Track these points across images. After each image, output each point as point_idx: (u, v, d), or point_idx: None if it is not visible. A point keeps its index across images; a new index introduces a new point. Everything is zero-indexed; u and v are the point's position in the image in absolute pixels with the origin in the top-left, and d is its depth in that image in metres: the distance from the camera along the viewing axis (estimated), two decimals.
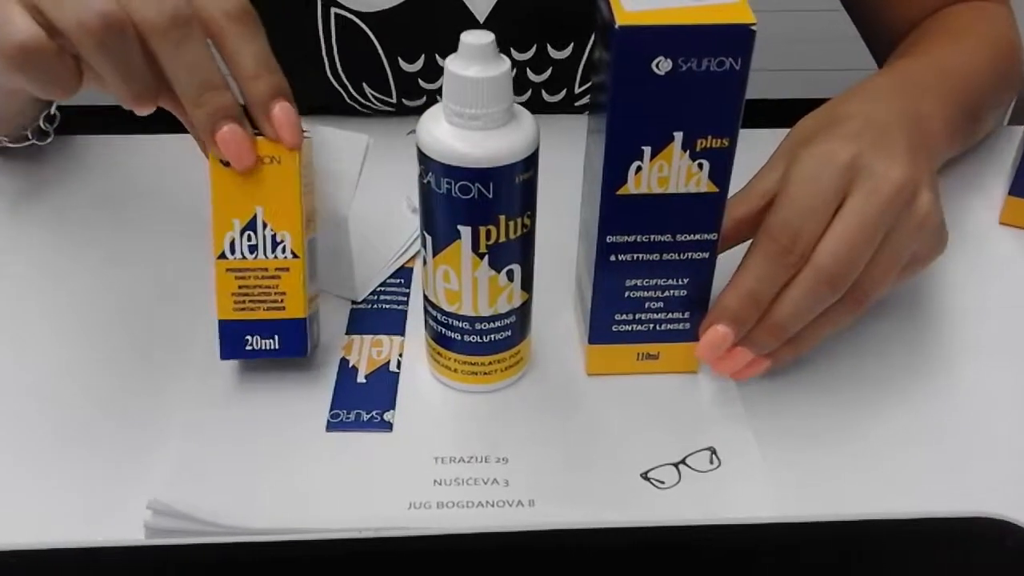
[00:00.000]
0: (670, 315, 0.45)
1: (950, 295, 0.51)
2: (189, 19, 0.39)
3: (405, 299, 0.50)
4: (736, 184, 0.42)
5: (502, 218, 0.40)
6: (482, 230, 0.40)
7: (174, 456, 0.42)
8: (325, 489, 0.41)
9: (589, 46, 0.63)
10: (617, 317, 0.45)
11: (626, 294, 0.44)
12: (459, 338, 0.44)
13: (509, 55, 0.62)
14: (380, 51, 0.61)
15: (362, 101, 0.64)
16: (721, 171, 0.40)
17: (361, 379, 0.46)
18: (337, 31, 0.61)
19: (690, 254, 0.43)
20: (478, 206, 0.39)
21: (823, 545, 0.38)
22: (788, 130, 0.48)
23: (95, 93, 0.41)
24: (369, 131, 0.47)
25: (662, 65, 0.37)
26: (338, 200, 0.46)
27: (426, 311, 0.45)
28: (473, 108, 0.38)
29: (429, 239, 0.42)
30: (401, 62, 0.62)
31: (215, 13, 0.40)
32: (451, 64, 0.38)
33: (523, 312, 0.44)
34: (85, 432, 0.43)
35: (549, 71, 0.63)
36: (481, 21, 0.60)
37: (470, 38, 0.37)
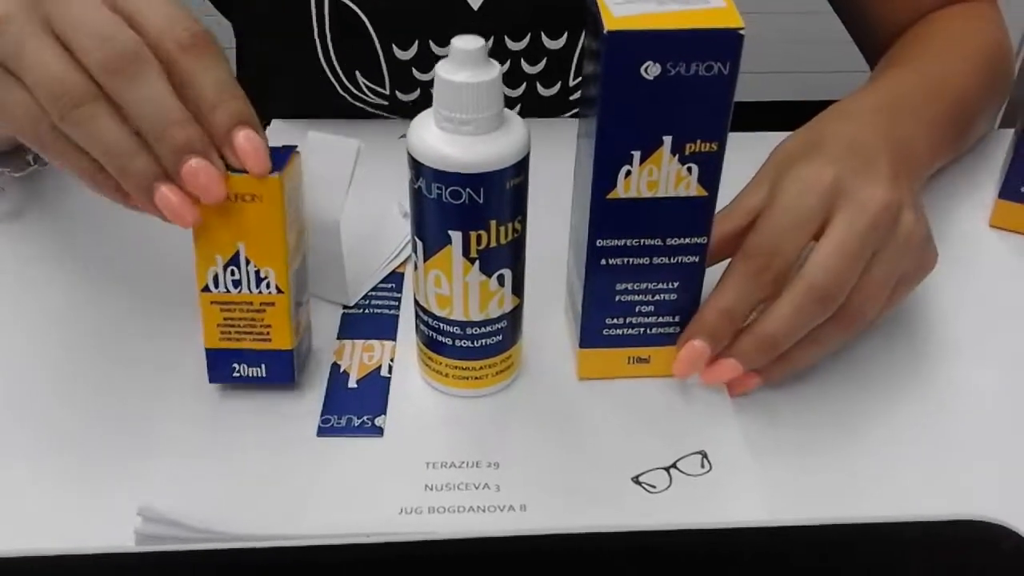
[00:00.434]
0: (661, 319, 0.45)
1: (941, 298, 0.52)
2: (139, 54, 0.37)
3: (396, 304, 0.50)
4: (725, 188, 0.42)
5: (493, 223, 0.40)
6: (473, 235, 0.40)
7: (164, 462, 0.42)
8: (316, 495, 0.41)
9: (583, 37, 0.63)
10: (608, 321, 0.45)
11: (617, 298, 0.44)
12: (450, 343, 0.44)
13: (503, 44, 0.62)
14: (373, 35, 0.61)
15: (354, 92, 0.64)
16: (710, 175, 0.40)
17: (352, 384, 0.46)
18: (331, 14, 0.60)
19: (680, 258, 0.43)
20: (469, 211, 0.39)
21: (815, 549, 0.38)
22: (779, 132, 0.49)
23: None
24: (360, 136, 0.47)
25: (651, 70, 0.37)
26: (329, 205, 0.46)
27: (417, 316, 0.45)
28: (463, 113, 0.38)
29: (420, 244, 0.42)
30: (395, 48, 0.62)
31: (167, 45, 0.38)
32: (441, 69, 0.38)
33: (514, 317, 0.44)
34: (75, 438, 0.43)
35: (544, 62, 0.63)
36: (475, 7, 0.60)
37: (460, 43, 0.38)
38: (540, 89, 0.65)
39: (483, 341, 0.43)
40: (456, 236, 0.40)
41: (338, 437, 0.43)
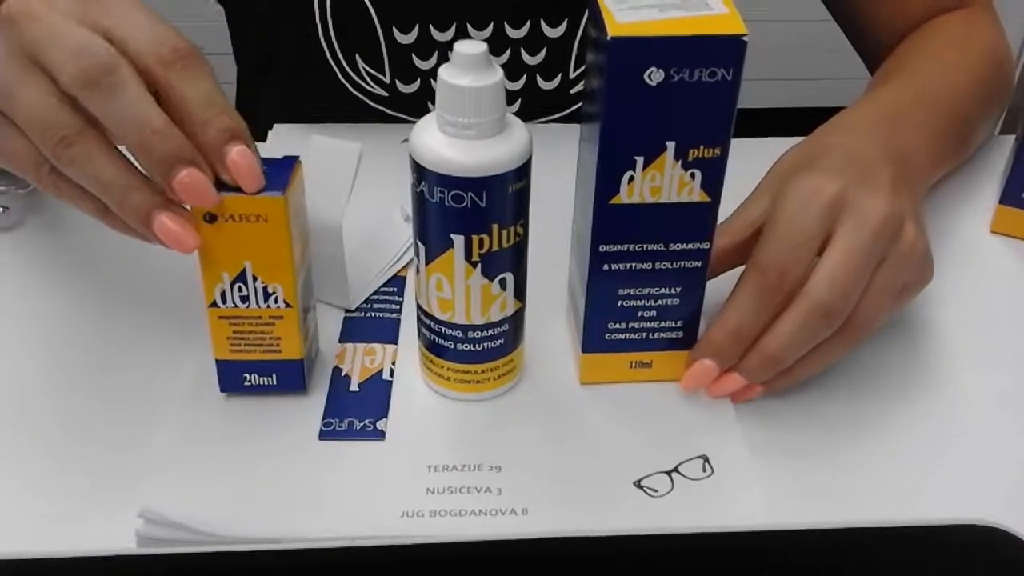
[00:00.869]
0: (663, 324, 0.45)
1: (941, 304, 0.52)
2: (113, 64, 0.36)
3: (398, 307, 0.50)
4: (728, 194, 0.42)
5: (495, 227, 0.40)
6: (475, 239, 0.40)
7: (166, 465, 0.42)
8: (317, 498, 0.41)
9: (582, 25, 0.63)
10: (610, 326, 0.45)
11: (619, 303, 0.44)
12: (452, 346, 0.44)
13: (503, 32, 0.62)
14: (374, 16, 0.61)
15: (355, 79, 0.64)
16: (713, 180, 0.41)
17: (354, 387, 0.46)
18: None
19: (683, 263, 0.43)
20: (471, 215, 0.39)
21: (816, 553, 0.38)
22: (781, 139, 0.49)
23: None
24: (362, 140, 0.47)
25: (654, 76, 0.38)
26: (331, 209, 0.46)
27: (419, 319, 0.45)
28: (466, 117, 0.38)
29: (422, 248, 0.42)
30: (395, 32, 0.62)
31: (149, 61, 0.37)
32: (444, 73, 0.38)
33: (516, 321, 0.44)
34: (76, 440, 0.43)
35: (543, 52, 0.63)
36: None
37: (463, 47, 0.38)
38: (540, 82, 0.65)
39: (485, 345, 0.43)
40: (458, 240, 0.40)
41: (340, 440, 0.43)
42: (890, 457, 0.44)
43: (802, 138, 0.49)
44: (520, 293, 0.43)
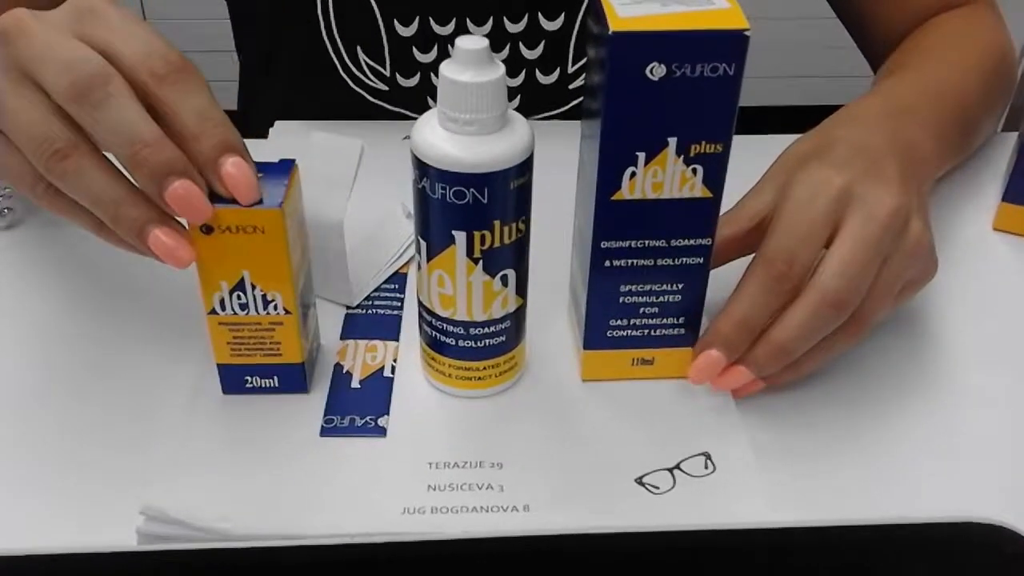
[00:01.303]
0: (665, 320, 0.45)
1: (944, 301, 0.52)
2: (104, 77, 0.36)
3: (400, 304, 0.50)
4: (730, 190, 0.42)
5: (496, 223, 0.40)
6: (476, 235, 0.40)
7: (167, 462, 0.42)
8: (319, 495, 0.41)
9: (579, 18, 0.63)
10: (612, 323, 0.45)
11: (621, 299, 0.44)
12: (453, 343, 0.43)
13: (502, 27, 0.62)
14: (375, 8, 0.61)
15: (355, 73, 0.64)
16: (715, 176, 0.40)
17: (355, 384, 0.46)
18: None
19: (684, 259, 0.43)
20: (472, 211, 0.39)
21: (818, 550, 0.38)
22: (783, 135, 0.49)
23: None
24: (364, 137, 0.47)
25: (656, 71, 0.37)
26: (332, 205, 0.46)
27: (420, 316, 0.45)
28: (468, 113, 0.38)
29: (424, 244, 0.42)
30: (396, 24, 0.62)
31: (141, 74, 0.37)
32: (446, 69, 0.38)
33: (517, 317, 0.44)
34: (77, 437, 0.43)
35: (542, 46, 0.63)
36: None
37: (465, 43, 0.38)
38: (539, 77, 0.65)
39: (486, 342, 0.43)
40: (460, 236, 0.40)
41: (341, 437, 0.43)
42: (892, 454, 0.44)
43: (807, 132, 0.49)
44: (522, 290, 0.43)
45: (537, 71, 0.65)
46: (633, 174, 0.40)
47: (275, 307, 0.42)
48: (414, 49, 0.63)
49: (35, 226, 0.56)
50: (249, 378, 0.44)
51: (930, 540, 0.38)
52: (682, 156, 0.40)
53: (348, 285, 0.50)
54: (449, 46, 0.58)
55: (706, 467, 0.42)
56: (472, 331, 0.43)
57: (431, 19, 0.62)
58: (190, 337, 0.47)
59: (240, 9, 0.71)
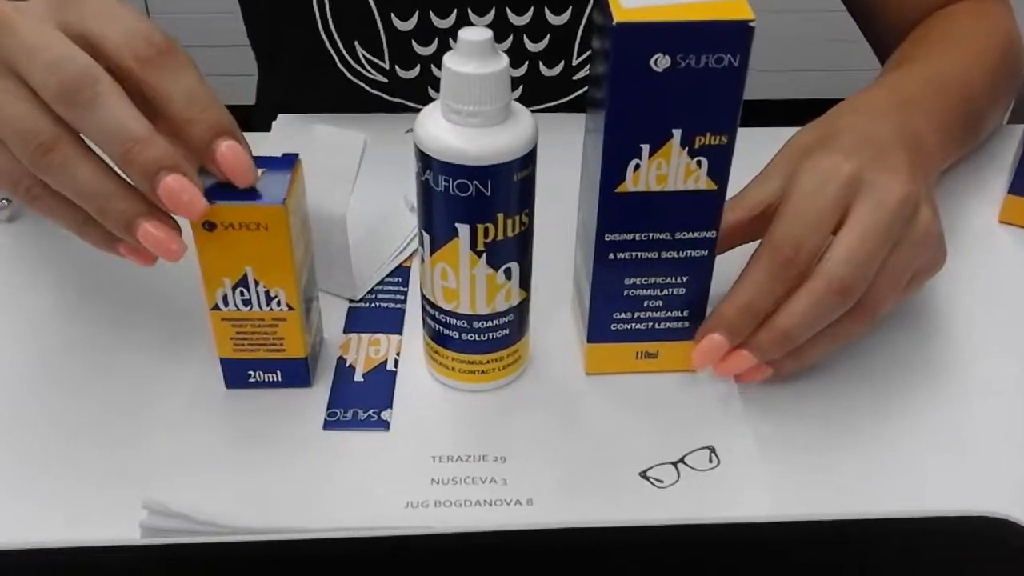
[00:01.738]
0: (669, 313, 0.44)
1: (949, 293, 0.51)
2: (91, 77, 0.35)
3: (403, 298, 0.50)
4: (734, 182, 0.42)
5: (500, 216, 0.40)
6: (480, 228, 0.40)
7: (170, 456, 0.41)
8: (322, 488, 0.40)
9: (587, 12, 0.62)
10: (616, 316, 0.44)
11: (625, 292, 0.44)
12: (457, 336, 0.43)
13: (506, 18, 0.62)
14: (372, 5, 0.61)
15: (354, 66, 0.64)
16: (720, 168, 0.40)
17: (358, 378, 0.46)
18: None
19: (689, 252, 0.42)
20: (476, 204, 0.39)
21: (823, 544, 0.38)
22: (787, 128, 0.48)
23: None
24: (366, 130, 0.47)
25: (661, 62, 0.37)
26: (335, 199, 0.46)
27: (424, 309, 0.44)
28: (471, 105, 0.38)
29: (427, 237, 0.41)
30: (394, 19, 0.61)
31: (126, 61, 0.36)
32: (448, 60, 0.38)
33: (521, 310, 0.44)
34: (80, 431, 0.43)
35: (547, 39, 0.63)
36: None
37: (468, 34, 0.37)
38: (543, 69, 0.64)
39: (490, 335, 0.43)
40: (463, 229, 0.40)
41: (344, 431, 0.43)
42: (898, 448, 0.43)
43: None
44: (525, 283, 0.43)
45: (541, 63, 0.64)
46: (637, 166, 0.40)
47: (278, 303, 0.42)
48: (413, 42, 0.62)
49: (35, 220, 0.55)
50: (252, 373, 0.44)
51: (936, 534, 0.38)
52: (686, 148, 0.39)
53: (351, 279, 0.49)
54: (450, 39, 0.58)
55: (710, 461, 0.42)
56: (475, 324, 0.43)
57: (431, 12, 0.61)
58: (192, 331, 0.47)
59: (245, 7, 0.71)
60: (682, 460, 0.42)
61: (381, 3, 0.61)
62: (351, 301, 0.50)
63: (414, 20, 0.61)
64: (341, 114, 0.63)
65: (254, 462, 0.42)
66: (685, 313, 0.44)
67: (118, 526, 0.38)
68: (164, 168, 0.36)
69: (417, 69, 0.63)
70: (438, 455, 0.42)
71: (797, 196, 0.42)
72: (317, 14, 0.61)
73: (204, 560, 0.37)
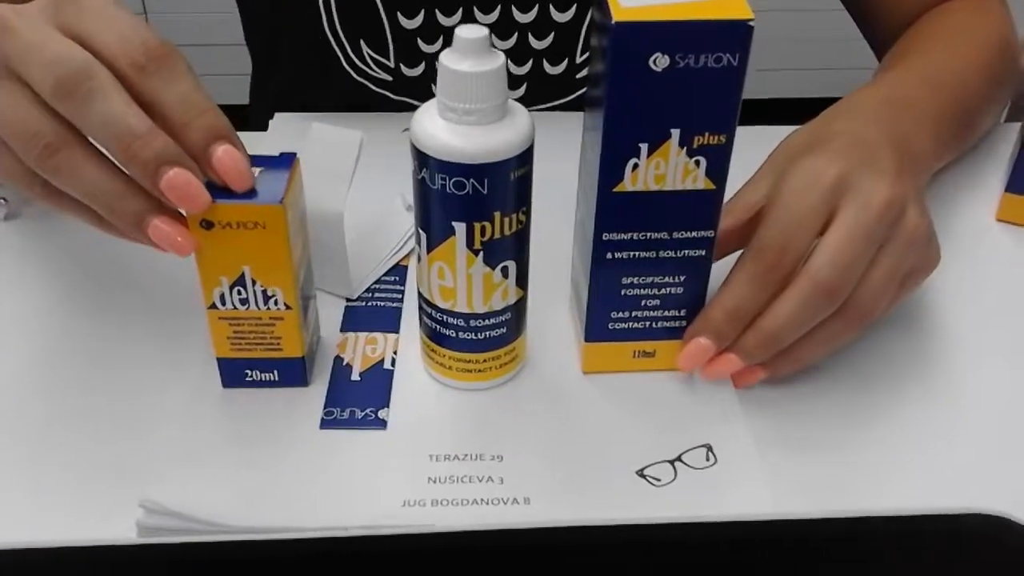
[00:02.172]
0: (666, 313, 0.44)
1: (946, 292, 0.51)
2: (88, 72, 0.35)
3: (400, 296, 0.50)
4: (732, 181, 0.42)
5: (497, 214, 0.40)
6: (477, 226, 0.40)
7: (167, 454, 0.41)
8: (319, 487, 0.40)
9: (591, 10, 0.62)
10: (613, 315, 0.44)
11: (622, 292, 0.44)
12: (454, 335, 0.43)
13: (511, 16, 0.62)
14: (379, 3, 0.61)
15: (359, 65, 0.64)
16: (718, 168, 0.40)
17: (355, 377, 0.46)
18: None
19: (687, 251, 0.42)
20: (472, 202, 0.39)
21: (820, 542, 0.38)
22: (785, 127, 0.48)
23: None
24: (363, 129, 0.47)
25: (659, 61, 0.37)
26: (332, 197, 0.46)
27: (420, 308, 0.44)
28: (467, 103, 0.38)
29: (424, 236, 0.41)
30: (400, 17, 0.61)
31: (121, 65, 0.36)
32: (445, 58, 0.38)
33: (518, 309, 0.44)
34: (77, 429, 0.43)
35: (551, 37, 0.63)
36: None
37: (464, 32, 0.37)
38: (547, 67, 0.64)
39: (487, 334, 0.43)
40: (460, 227, 0.40)
41: (341, 430, 0.43)
42: (893, 446, 0.44)
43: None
44: (522, 281, 0.43)
45: (544, 61, 0.64)
46: (636, 165, 0.40)
47: (275, 302, 0.41)
48: (419, 40, 0.62)
49: (33, 218, 0.55)
50: (249, 372, 0.44)
51: (932, 531, 0.38)
52: (685, 148, 0.39)
53: (348, 277, 0.49)
54: None
55: (707, 459, 0.42)
56: (472, 323, 0.43)
57: (437, 10, 0.61)
58: (190, 330, 0.47)
59: (245, 5, 0.71)
60: (679, 458, 0.42)
61: (387, 1, 0.61)
62: (348, 300, 0.50)
63: (420, 18, 0.61)
64: (338, 112, 0.63)
65: (251, 461, 0.41)
66: (683, 312, 0.44)
67: (115, 525, 0.38)
68: (166, 162, 0.36)
69: (422, 67, 0.63)
70: (435, 454, 0.42)
71: (783, 199, 0.43)
72: (323, 12, 0.61)
73: (200, 559, 0.37)
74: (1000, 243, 0.56)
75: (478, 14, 0.62)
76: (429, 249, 0.41)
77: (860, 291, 0.42)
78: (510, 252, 0.41)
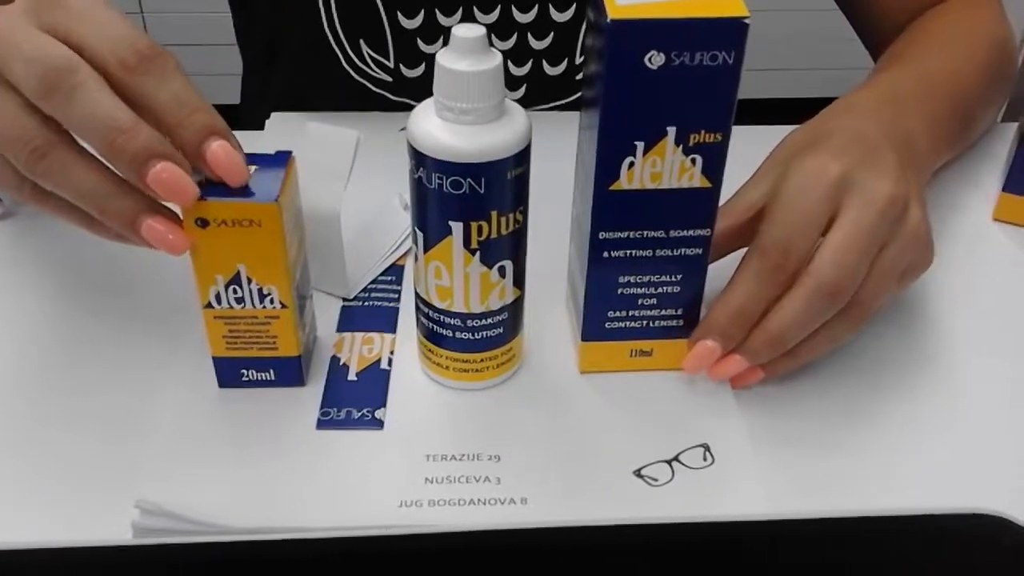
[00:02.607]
0: (663, 312, 0.44)
1: (943, 292, 0.51)
2: (74, 69, 0.35)
3: (396, 296, 0.50)
4: (729, 180, 0.41)
5: (494, 214, 0.40)
6: (473, 226, 0.40)
7: (162, 455, 0.41)
8: (315, 488, 0.40)
9: (588, 9, 0.62)
10: (610, 314, 0.44)
11: (619, 291, 0.43)
12: (451, 335, 0.43)
13: (511, 16, 0.62)
14: (379, 3, 0.61)
15: (359, 65, 0.64)
16: (714, 166, 0.40)
17: (352, 377, 0.45)
18: None
19: (683, 250, 0.42)
20: (469, 201, 0.39)
21: (817, 542, 0.38)
22: (782, 126, 0.48)
23: None
24: (360, 128, 0.47)
25: (655, 59, 0.37)
26: (329, 197, 0.46)
27: (417, 308, 0.44)
28: (464, 102, 0.38)
29: (420, 235, 0.41)
30: (400, 17, 0.61)
31: (110, 67, 0.36)
32: (442, 58, 0.38)
33: (515, 309, 0.44)
34: (71, 429, 0.43)
35: (551, 37, 0.63)
36: None
37: (461, 31, 0.37)
38: (546, 67, 0.64)
39: (484, 333, 0.43)
40: (457, 227, 0.40)
41: (338, 430, 0.43)
42: (891, 446, 0.43)
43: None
44: (519, 281, 0.43)
45: (544, 62, 0.64)
46: (632, 164, 0.40)
47: (271, 301, 0.41)
48: (419, 40, 0.62)
49: (28, 217, 0.55)
50: (245, 371, 0.44)
51: (930, 531, 0.38)
52: (681, 146, 0.39)
53: (345, 277, 0.49)
54: None
55: (705, 459, 0.42)
56: (469, 323, 0.43)
57: (437, 10, 0.61)
58: (185, 330, 0.47)
59: (243, 3, 0.71)
60: (676, 458, 0.42)
61: (387, 1, 0.61)
62: (344, 300, 0.50)
63: (420, 18, 0.61)
64: (335, 112, 0.63)
65: (247, 462, 0.41)
66: (679, 311, 0.44)
67: (110, 526, 0.38)
68: (153, 156, 0.36)
69: (422, 67, 0.63)
70: (432, 454, 0.42)
71: (785, 198, 0.42)
72: (323, 12, 0.61)
73: (196, 560, 0.36)
74: (997, 242, 0.56)
75: (478, 14, 0.62)
76: (426, 249, 0.41)
77: (863, 291, 0.42)
78: (507, 252, 0.41)
